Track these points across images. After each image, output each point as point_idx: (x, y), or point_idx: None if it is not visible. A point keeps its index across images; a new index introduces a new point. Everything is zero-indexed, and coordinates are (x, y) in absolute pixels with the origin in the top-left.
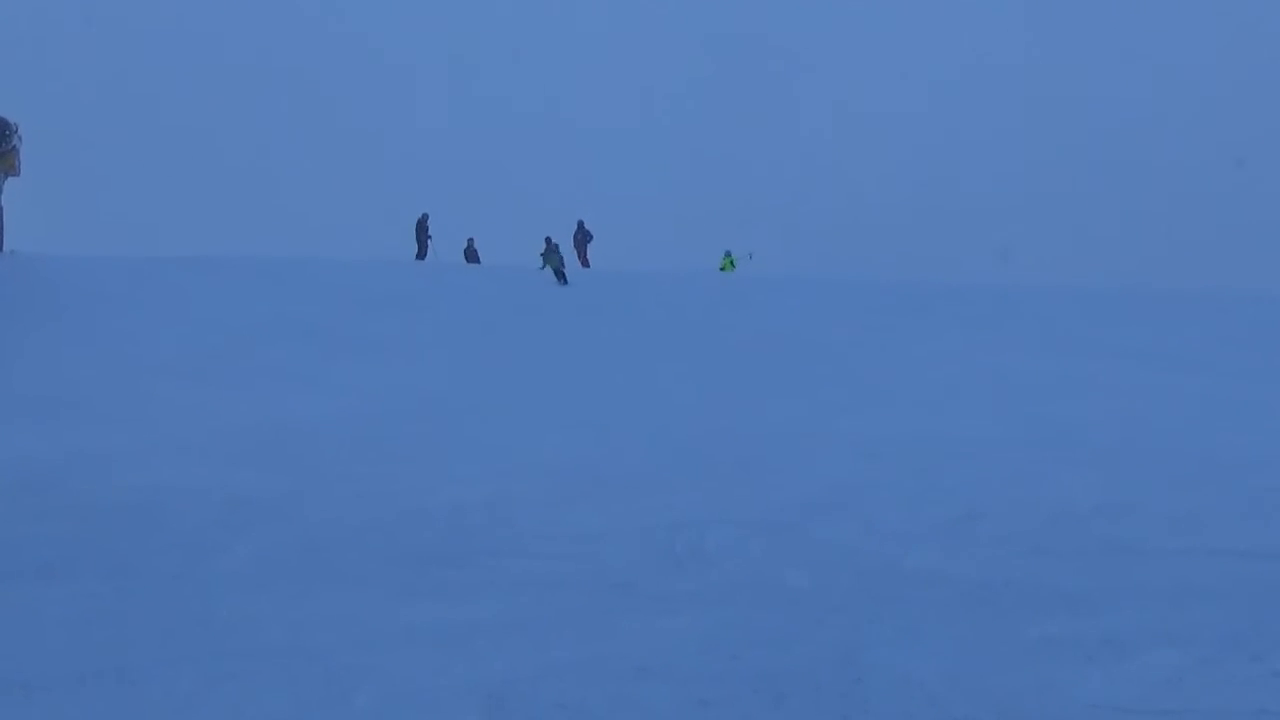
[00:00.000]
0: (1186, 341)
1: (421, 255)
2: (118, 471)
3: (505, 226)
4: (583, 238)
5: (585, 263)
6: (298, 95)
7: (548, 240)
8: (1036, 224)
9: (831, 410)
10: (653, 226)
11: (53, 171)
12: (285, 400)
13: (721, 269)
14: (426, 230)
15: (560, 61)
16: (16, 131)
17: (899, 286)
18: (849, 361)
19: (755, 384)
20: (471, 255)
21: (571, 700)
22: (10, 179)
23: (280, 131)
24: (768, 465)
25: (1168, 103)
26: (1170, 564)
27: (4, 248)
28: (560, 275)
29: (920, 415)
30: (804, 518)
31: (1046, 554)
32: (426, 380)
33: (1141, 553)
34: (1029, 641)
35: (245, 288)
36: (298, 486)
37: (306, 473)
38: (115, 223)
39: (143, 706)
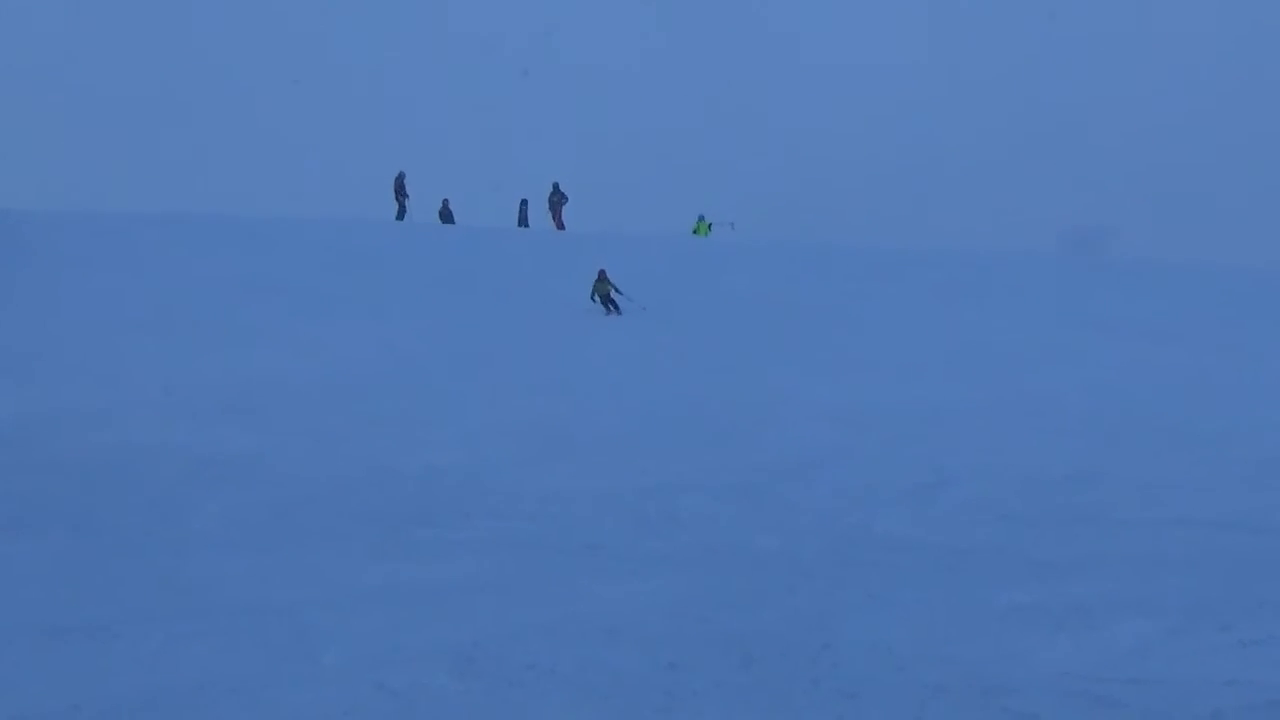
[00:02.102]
0: (1158, 312)
1: (401, 215)
2: (88, 429)
3: (480, 187)
4: (557, 200)
5: (560, 225)
6: (273, 50)
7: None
8: (1015, 189)
9: (803, 376)
10: (628, 189)
11: (22, 125)
12: (258, 359)
13: (695, 233)
14: (404, 190)
15: (535, 21)
16: None
17: (873, 252)
18: (821, 328)
19: (728, 350)
20: (446, 216)
21: (541, 661)
22: None
23: (255, 86)
24: (740, 430)
25: (1146, 65)
26: (1140, 533)
27: None
28: (610, 304)
29: (892, 382)
30: (775, 483)
31: (1016, 521)
32: (399, 341)
33: (1111, 522)
34: (998, 608)
35: (219, 245)
36: (269, 445)
37: (278, 432)
38: (85, 178)
39: (111, 662)
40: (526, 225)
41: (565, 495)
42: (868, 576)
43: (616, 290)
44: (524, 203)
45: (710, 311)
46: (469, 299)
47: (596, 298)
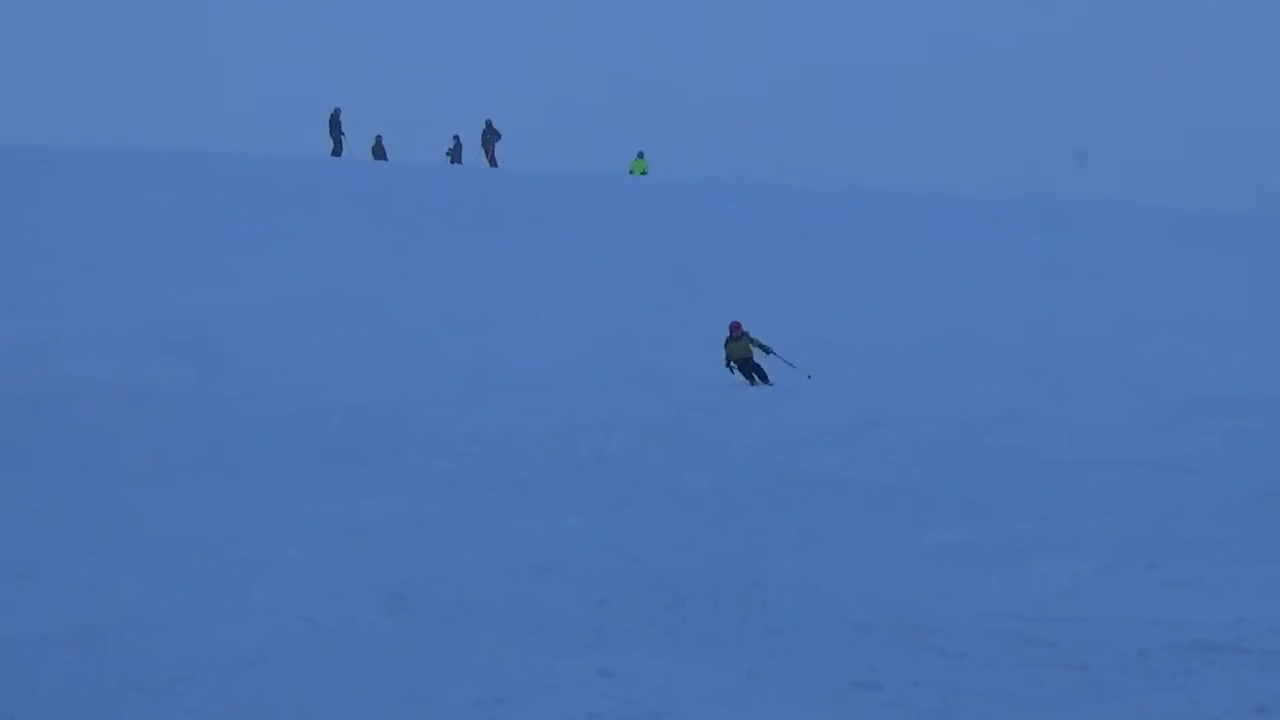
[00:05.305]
0: (1091, 252)
1: (337, 151)
2: (22, 362)
3: (413, 123)
4: (491, 137)
5: (493, 162)
6: None
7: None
8: (948, 129)
9: (735, 315)
10: (564, 125)
11: None
12: (192, 294)
13: (631, 171)
14: (340, 126)
15: None
16: None
17: (805, 192)
18: (754, 266)
19: (660, 288)
20: (379, 152)
21: (471, 598)
22: None
23: (191, 16)
24: (671, 369)
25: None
26: (1070, 474)
27: None
28: (756, 373)
29: (824, 321)
30: (706, 421)
31: (947, 461)
32: (333, 278)
33: (1041, 462)
34: (927, 548)
35: (155, 181)
36: (202, 380)
37: (211, 367)
38: (25, 112)
39: (40, 598)
40: (459, 162)
41: (496, 432)
42: (797, 515)
43: (764, 349)
44: (457, 139)
45: (644, 250)
46: (402, 236)
47: (734, 366)
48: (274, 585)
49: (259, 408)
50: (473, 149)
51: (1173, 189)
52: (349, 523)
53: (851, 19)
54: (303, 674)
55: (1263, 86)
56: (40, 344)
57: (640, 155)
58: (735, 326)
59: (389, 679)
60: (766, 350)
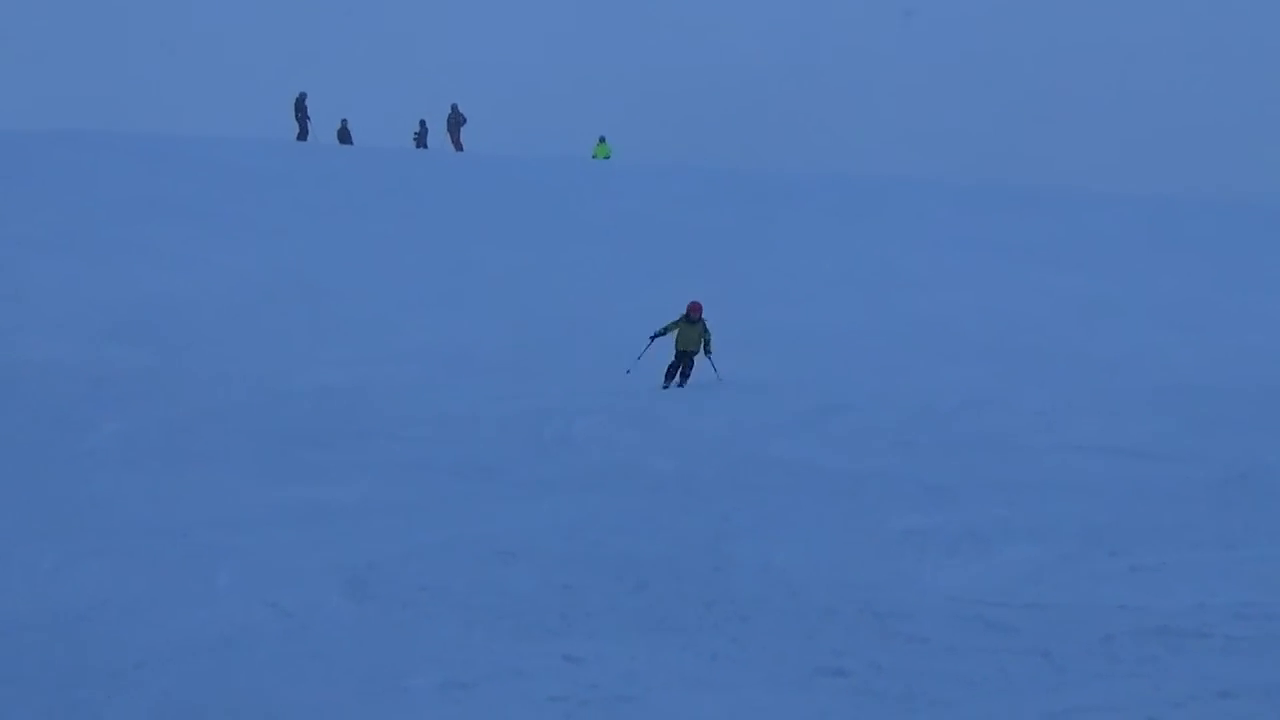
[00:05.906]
0: (1058, 239)
1: (303, 136)
2: None
3: (379, 107)
4: (456, 121)
5: (459, 146)
6: None
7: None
8: (913, 113)
9: (701, 299)
10: (528, 109)
11: None
12: (157, 278)
13: (594, 156)
14: (305, 110)
15: None
16: None
17: (770, 176)
18: (717, 251)
19: (624, 273)
20: (345, 136)
21: (434, 582)
22: None
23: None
24: (635, 353)
25: None
26: (1034, 459)
27: None
28: (685, 367)
29: (788, 306)
30: (671, 407)
31: (911, 447)
32: (297, 261)
33: (1006, 448)
34: (891, 533)
35: (119, 164)
36: (167, 365)
37: (176, 351)
38: None
39: (4, 582)
40: (425, 146)
41: (460, 417)
42: (762, 500)
43: (707, 346)
44: (423, 123)
45: (608, 234)
46: (367, 220)
47: (654, 340)
48: (239, 570)
49: (223, 392)
50: (438, 133)
51: (1137, 175)
52: (314, 508)
53: (818, 2)
54: (268, 659)
55: (1227, 73)
56: (3, 328)
57: (602, 140)
58: (696, 308)
59: (354, 664)
60: (708, 350)
